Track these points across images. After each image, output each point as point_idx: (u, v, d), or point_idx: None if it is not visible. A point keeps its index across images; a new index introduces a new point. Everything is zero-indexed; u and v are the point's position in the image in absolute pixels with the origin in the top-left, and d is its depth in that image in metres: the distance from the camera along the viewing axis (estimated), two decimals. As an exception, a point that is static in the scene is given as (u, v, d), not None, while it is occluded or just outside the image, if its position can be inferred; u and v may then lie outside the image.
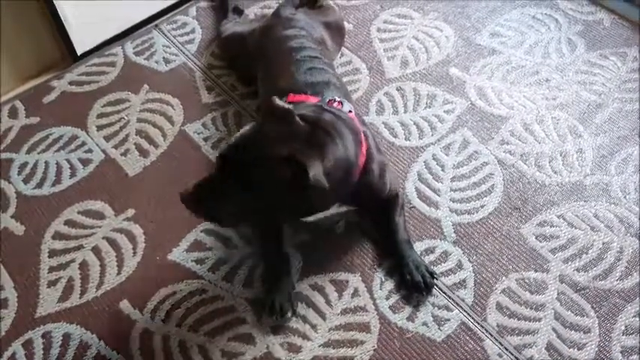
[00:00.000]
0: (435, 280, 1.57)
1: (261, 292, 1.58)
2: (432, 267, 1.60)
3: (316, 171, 1.27)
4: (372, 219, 1.69)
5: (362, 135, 1.49)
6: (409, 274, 1.56)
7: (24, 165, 1.87)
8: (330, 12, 2.07)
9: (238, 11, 2.22)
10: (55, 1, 1.97)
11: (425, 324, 1.52)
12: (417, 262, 1.58)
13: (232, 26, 2.11)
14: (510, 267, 1.61)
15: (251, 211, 1.37)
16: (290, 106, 1.37)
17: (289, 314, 1.52)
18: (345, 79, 1.97)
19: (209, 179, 1.35)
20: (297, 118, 1.36)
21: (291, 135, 1.34)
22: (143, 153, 1.89)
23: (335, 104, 1.52)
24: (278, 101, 1.36)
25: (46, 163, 1.87)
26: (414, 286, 1.55)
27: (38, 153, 1.90)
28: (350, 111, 1.54)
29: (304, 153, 1.29)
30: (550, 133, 1.89)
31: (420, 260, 1.59)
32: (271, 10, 2.06)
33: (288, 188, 1.30)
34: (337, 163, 1.36)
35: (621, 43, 2.12)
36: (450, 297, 1.56)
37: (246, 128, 1.37)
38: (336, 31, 2.03)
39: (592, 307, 1.54)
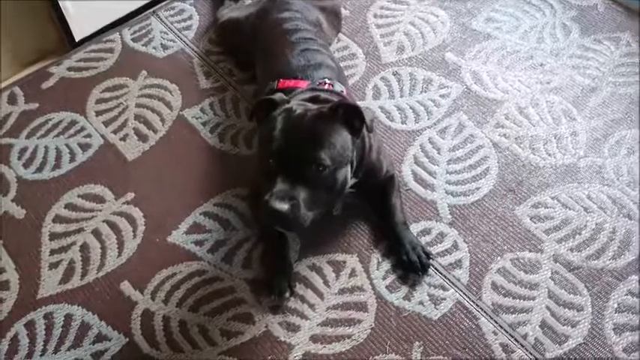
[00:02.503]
0: (431, 261, 1.59)
1: (260, 272, 1.60)
2: (428, 248, 1.62)
3: (366, 113, 1.37)
4: (368, 201, 1.71)
5: None
6: (405, 254, 1.58)
7: (24, 150, 1.88)
8: (325, -3, 2.08)
9: (235, -2, 2.24)
10: (53, -12, 1.99)
11: (421, 303, 1.54)
12: (413, 243, 1.60)
13: (229, 12, 2.11)
14: (505, 247, 1.63)
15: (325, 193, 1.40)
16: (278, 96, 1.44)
17: (287, 294, 1.54)
18: (341, 64, 1.98)
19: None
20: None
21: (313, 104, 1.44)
22: (142, 138, 1.90)
23: (326, 86, 1.55)
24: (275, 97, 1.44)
25: (46, 147, 1.89)
26: (410, 267, 1.58)
27: (38, 138, 1.91)
28: (342, 91, 1.56)
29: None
30: (544, 116, 1.91)
31: (416, 241, 1.61)
32: (268, -4, 2.08)
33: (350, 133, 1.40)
34: None
35: (615, 27, 2.14)
36: (445, 277, 1.59)
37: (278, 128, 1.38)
38: (333, 15, 2.04)
39: (585, 285, 1.57)
